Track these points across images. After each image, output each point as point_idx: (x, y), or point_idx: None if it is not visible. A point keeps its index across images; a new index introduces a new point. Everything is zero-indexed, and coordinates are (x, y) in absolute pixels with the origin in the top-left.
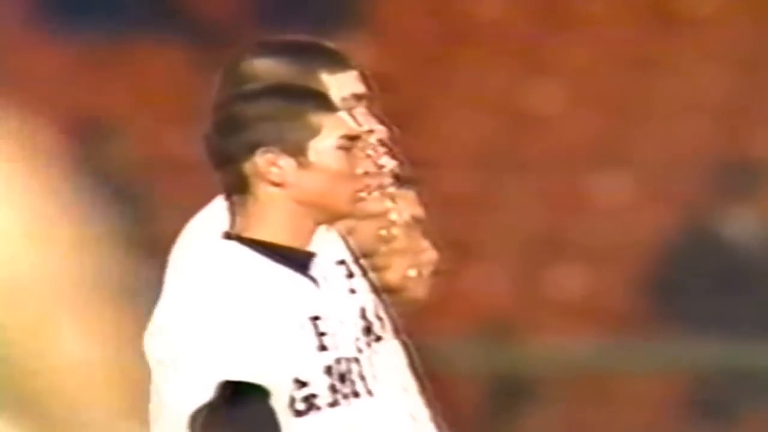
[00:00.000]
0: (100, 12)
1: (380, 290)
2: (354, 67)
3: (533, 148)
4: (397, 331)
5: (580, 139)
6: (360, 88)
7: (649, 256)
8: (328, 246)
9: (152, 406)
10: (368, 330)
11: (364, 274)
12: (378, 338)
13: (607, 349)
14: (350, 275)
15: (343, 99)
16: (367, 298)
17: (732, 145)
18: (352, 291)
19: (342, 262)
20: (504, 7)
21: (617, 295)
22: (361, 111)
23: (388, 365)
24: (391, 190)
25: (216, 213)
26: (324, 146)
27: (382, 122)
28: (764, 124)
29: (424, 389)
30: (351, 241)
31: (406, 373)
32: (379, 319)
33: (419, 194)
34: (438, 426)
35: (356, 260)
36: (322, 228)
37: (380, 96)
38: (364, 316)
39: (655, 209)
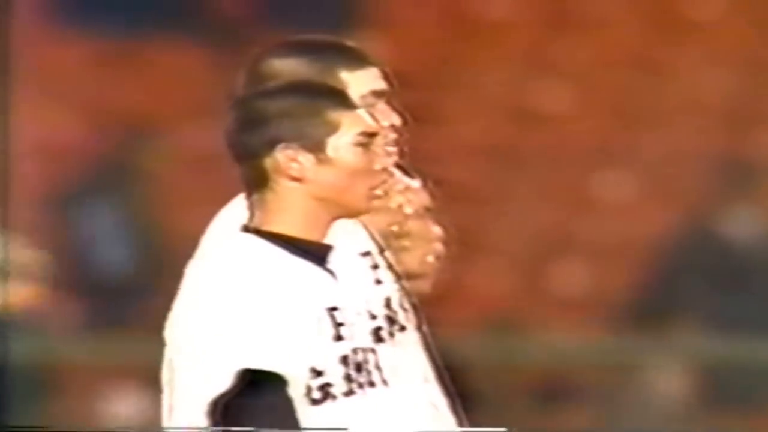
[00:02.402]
0: (117, 10)
1: (403, 280)
2: (374, 64)
3: (539, 146)
4: (419, 322)
5: (585, 138)
6: (380, 85)
7: (652, 253)
8: (353, 238)
9: (166, 395)
10: (392, 320)
11: (389, 265)
12: (402, 328)
13: (609, 344)
14: (375, 266)
15: (364, 96)
16: (392, 289)
17: (734, 145)
18: (378, 281)
19: (367, 254)
20: (511, 8)
21: (621, 291)
22: (382, 107)
23: (411, 355)
24: (403, 182)
25: (239, 209)
26: (342, 143)
27: (402, 117)
28: (765, 125)
29: (442, 379)
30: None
31: (427, 363)
32: (404, 309)
33: (425, 184)
34: (457, 415)
35: (381, 251)
36: (349, 220)
37: (399, 92)
38: (389, 305)
39: (658, 207)
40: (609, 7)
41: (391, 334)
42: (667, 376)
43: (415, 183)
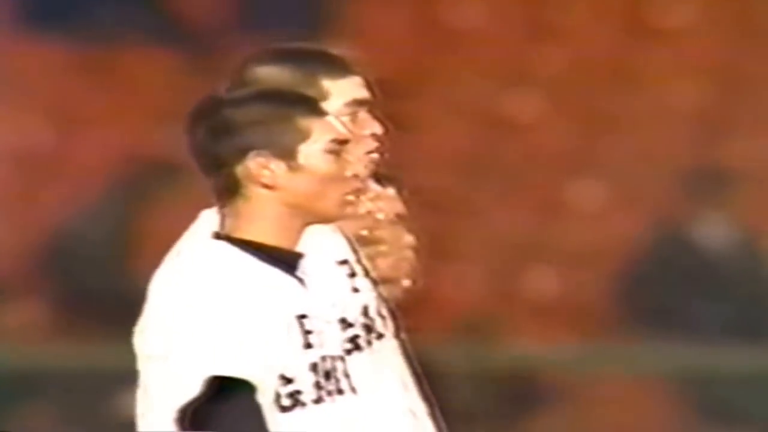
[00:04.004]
0: (88, 18)
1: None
2: (357, 73)
3: (511, 154)
4: (398, 330)
5: (557, 146)
6: (363, 94)
7: (624, 260)
8: (330, 246)
9: (139, 401)
10: (369, 328)
11: (367, 273)
12: (380, 336)
13: (581, 350)
14: (353, 274)
15: (346, 104)
16: (370, 297)
17: (703, 152)
18: (355, 290)
19: (344, 262)
20: (484, 17)
21: (592, 298)
22: (363, 115)
23: (390, 362)
24: (375, 189)
25: (213, 217)
26: (313, 150)
27: (384, 126)
28: (734, 132)
29: (421, 386)
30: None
31: (405, 370)
32: (382, 317)
33: (399, 192)
34: (436, 422)
35: (359, 260)
36: (327, 229)
37: (382, 101)
38: (366, 314)
39: (630, 214)
40: (580, 17)
41: (369, 342)
42: (638, 383)
43: (390, 191)
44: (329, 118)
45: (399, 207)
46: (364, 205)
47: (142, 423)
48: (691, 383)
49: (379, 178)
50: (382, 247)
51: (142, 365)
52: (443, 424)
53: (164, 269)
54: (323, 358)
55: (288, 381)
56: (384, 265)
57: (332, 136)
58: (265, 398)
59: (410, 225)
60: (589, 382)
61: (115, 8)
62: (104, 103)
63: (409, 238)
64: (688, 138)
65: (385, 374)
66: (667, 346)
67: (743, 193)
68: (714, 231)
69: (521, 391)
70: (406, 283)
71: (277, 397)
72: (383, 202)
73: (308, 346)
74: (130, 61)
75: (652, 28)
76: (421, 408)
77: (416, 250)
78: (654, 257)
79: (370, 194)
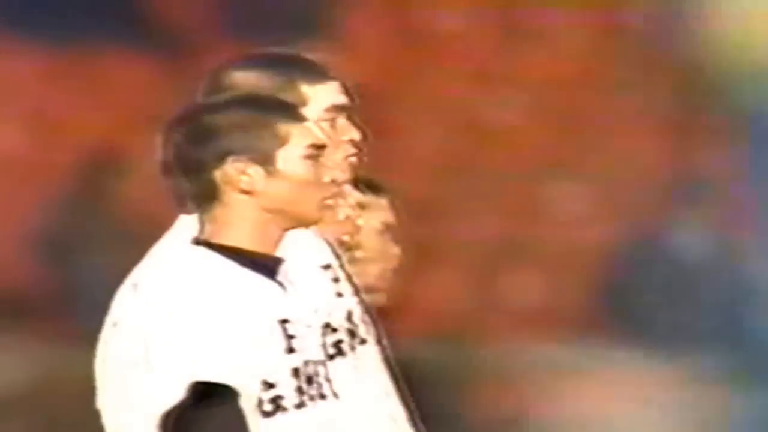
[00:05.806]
0: (67, 21)
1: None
2: (335, 79)
3: (492, 158)
4: (379, 336)
5: (537, 150)
6: (341, 99)
7: (603, 264)
8: (314, 251)
9: (111, 407)
10: (353, 333)
11: (349, 278)
12: (363, 341)
13: (560, 353)
14: (336, 279)
15: (325, 110)
16: (353, 302)
17: (682, 158)
18: (339, 294)
19: (328, 267)
20: (464, 20)
21: (572, 302)
22: (342, 121)
23: (372, 368)
24: (362, 196)
25: (187, 224)
26: (291, 155)
27: (363, 131)
28: (713, 139)
29: (401, 392)
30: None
31: (387, 376)
32: (364, 323)
33: (391, 202)
34: (416, 428)
35: (342, 265)
36: (310, 233)
37: (359, 106)
38: (350, 318)
39: (610, 219)
40: (560, 21)
41: (352, 348)
42: (618, 387)
43: (381, 200)
44: (308, 124)
45: (388, 216)
46: (343, 211)
47: (117, 428)
48: (670, 387)
49: (370, 186)
50: (359, 254)
51: (120, 371)
52: (423, 430)
53: (140, 274)
54: (305, 363)
55: (270, 386)
56: (366, 272)
57: (310, 141)
58: (247, 403)
59: (396, 234)
60: (569, 386)
61: (97, 13)
62: (82, 108)
63: (394, 249)
64: (667, 144)
65: (367, 379)
66: (646, 349)
67: (722, 199)
68: (693, 237)
69: (502, 396)
70: (384, 293)
71: (260, 402)
72: (371, 210)
73: (290, 350)
74: (111, 66)
75: (631, 32)
76: (401, 414)
77: (400, 260)
78: (634, 262)
79: (351, 200)
